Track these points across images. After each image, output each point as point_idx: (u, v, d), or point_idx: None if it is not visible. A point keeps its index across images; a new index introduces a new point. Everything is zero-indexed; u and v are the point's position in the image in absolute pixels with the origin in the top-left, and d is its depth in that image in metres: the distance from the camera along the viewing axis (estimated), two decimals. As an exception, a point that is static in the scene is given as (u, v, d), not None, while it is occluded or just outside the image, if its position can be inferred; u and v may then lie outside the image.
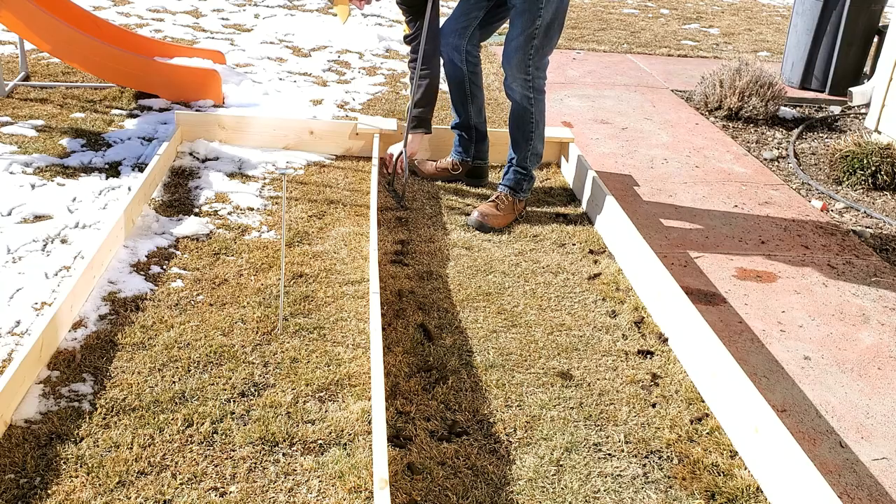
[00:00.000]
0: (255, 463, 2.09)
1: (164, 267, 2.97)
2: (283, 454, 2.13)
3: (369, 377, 2.45)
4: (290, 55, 5.94)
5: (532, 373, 2.57)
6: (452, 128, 3.96)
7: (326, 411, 2.30)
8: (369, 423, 2.26)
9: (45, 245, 3.06)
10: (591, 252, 3.40)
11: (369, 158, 4.13)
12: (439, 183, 3.96)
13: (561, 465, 2.19)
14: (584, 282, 3.16)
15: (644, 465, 2.22)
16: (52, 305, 2.51)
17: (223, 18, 6.90)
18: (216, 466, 2.07)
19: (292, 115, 4.61)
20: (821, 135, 5.26)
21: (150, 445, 2.11)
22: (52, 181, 3.56)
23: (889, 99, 4.75)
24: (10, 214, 3.25)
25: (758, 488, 2.17)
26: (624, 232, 3.29)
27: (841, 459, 2.35)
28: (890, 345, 2.95)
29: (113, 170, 3.75)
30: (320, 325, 2.71)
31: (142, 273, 2.92)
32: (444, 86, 5.59)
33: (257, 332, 2.63)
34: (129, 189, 3.54)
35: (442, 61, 3.76)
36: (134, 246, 3.07)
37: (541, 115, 3.59)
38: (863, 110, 5.65)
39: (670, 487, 2.16)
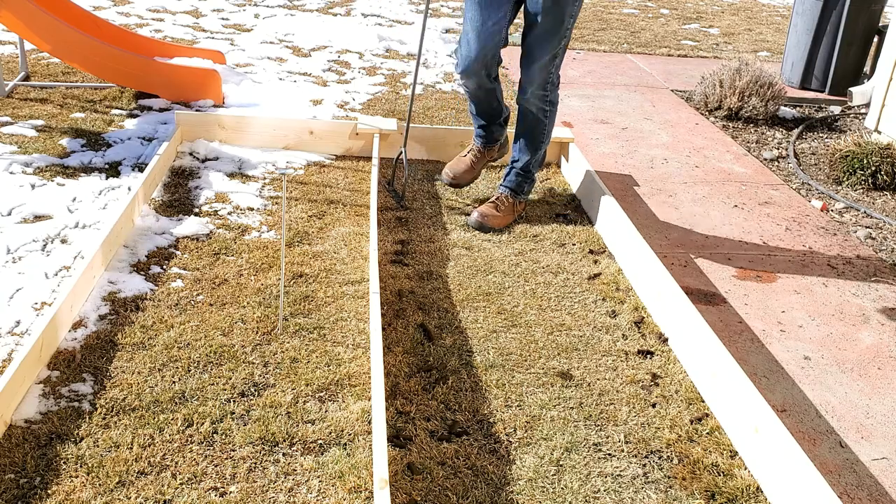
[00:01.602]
0: (255, 463, 2.10)
1: (164, 267, 2.97)
2: (283, 454, 2.13)
3: (369, 377, 2.45)
4: (290, 55, 5.94)
5: (532, 373, 2.57)
6: (478, 128, 3.76)
7: (326, 411, 2.30)
8: (369, 423, 2.26)
9: (45, 245, 3.06)
10: (591, 252, 3.40)
11: (369, 158, 4.13)
12: (439, 182, 3.96)
13: (561, 465, 2.19)
14: (584, 282, 3.16)
15: (644, 465, 2.22)
16: (52, 305, 2.51)
17: (223, 18, 6.90)
18: (216, 466, 2.07)
19: (292, 115, 4.61)
20: (821, 135, 5.26)
21: (150, 445, 2.11)
22: (52, 181, 3.56)
23: (889, 99, 4.75)
24: (10, 214, 3.25)
25: (758, 488, 2.17)
26: (624, 232, 3.29)
27: (841, 459, 2.35)
28: (890, 345, 2.95)
29: (113, 170, 3.75)
30: (320, 325, 2.71)
31: (142, 273, 2.92)
32: (445, 85, 5.62)
33: (257, 332, 2.63)
34: (129, 189, 3.54)
35: (467, 86, 3.53)
36: (134, 246, 3.07)
37: (552, 126, 3.61)
38: (863, 110, 5.65)
39: (670, 487, 2.16)
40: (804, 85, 6.21)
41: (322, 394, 2.37)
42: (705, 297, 3.16)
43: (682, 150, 4.77)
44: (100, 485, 1.98)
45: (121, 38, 4.94)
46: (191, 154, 3.97)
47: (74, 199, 3.42)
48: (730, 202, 4.09)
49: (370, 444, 2.18)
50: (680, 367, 2.67)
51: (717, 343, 2.50)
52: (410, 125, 3.81)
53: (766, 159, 4.76)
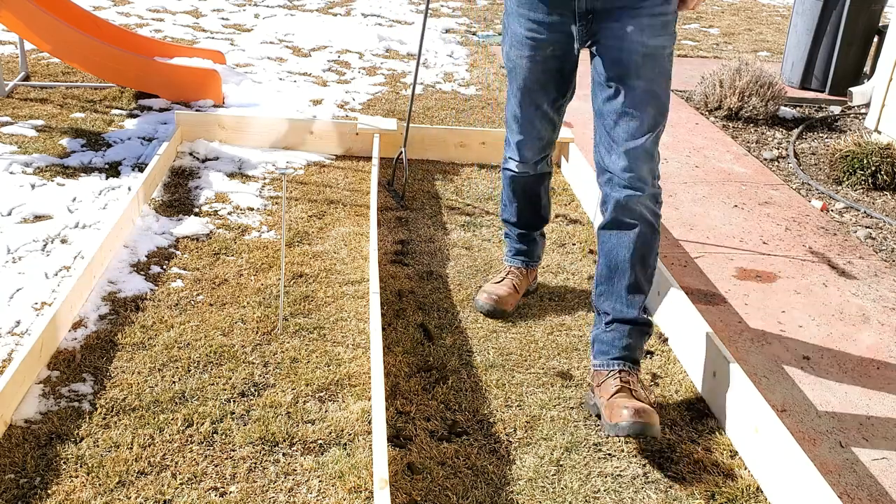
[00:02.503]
0: (255, 463, 2.09)
1: (164, 267, 2.97)
2: (283, 454, 2.13)
3: (369, 377, 2.45)
4: (290, 55, 5.94)
5: (532, 373, 2.57)
6: (518, 240, 2.94)
7: (326, 411, 2.30)
8: (369, 423, 2.26)
9: (45, 245, 3.06)
10: (591, 252, 3.40)
11: (369, 158, 4.13)
12: (439, 182, 3.96)
13: (561, 465, 2.19)
14: (585, 282, 3.16)
15: (644, 465, 2.22)
16: (52, 305, 2.51)
17: (223, 18, 6.90)
18: (216, 466, 2.07)
19: (292, 115, 4.61)
20: (821, 135, 5.26)
21: (150, 445, 2.11)
22: (52, 181, 3.56)
23: (889, 99, 4.75)
24: (10, 214, 3.25)
25: (758, 488, 2.17)
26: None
27: (841, 459, 2.35)
28: (890, 345, 2.95)
29: (113, 170, 3.75)
30: (320, 325, 2.71)
31: (142, 273, 2.92)
32: (445, 85, 5.61)
33: (257, 332, 2.63)
34: (129, 189, 3.54)
35: (516, 177, 2.80)
36: (134, 246, 3.07)
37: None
38: (863, 110, 5.65)
39: (670, 487, 2.15)
40: (804, 85, 6.21)
41: (322, 394, 2.37)
42: (705, 297, 3.16)
43: (682, 150, 4.77)
44: (100, 485, 1.98)
45: (121, 38, 4.94)
46: (191, 154, 3.97)
47: (74, 199, 3.42)
48: (730, 202, 4.09)
49: (370, 444, 2.18)
50: (680, 367, 2.67)
51: (717, 343, 2.50)
52: (410, 125, 3.81)
53: (766, 159, 4.76)
